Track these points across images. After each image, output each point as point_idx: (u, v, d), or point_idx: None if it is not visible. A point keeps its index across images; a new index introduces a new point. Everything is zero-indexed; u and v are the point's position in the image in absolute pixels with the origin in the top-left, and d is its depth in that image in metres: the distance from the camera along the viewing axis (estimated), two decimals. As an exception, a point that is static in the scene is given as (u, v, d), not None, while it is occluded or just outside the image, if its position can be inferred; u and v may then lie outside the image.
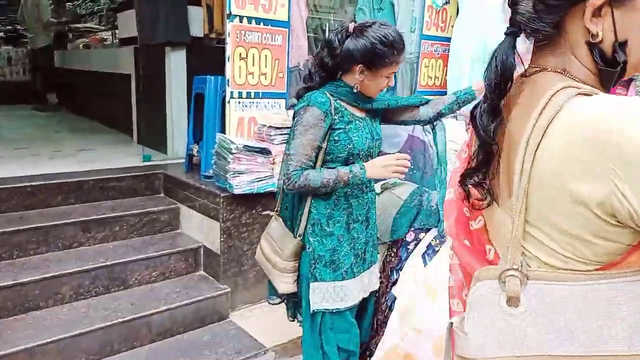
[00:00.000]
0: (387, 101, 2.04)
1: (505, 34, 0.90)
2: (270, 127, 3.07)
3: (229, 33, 2.96)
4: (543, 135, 0.77)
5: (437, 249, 2.22)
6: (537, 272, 0.80)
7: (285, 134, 3.07)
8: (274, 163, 3.02)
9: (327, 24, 3.49)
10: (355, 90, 1.86)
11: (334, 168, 1.83)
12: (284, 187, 1.83)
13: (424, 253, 2.24)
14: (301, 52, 3.37)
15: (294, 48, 3.31)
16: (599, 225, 0.71)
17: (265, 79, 3.18)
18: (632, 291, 0.73)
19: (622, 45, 0.77)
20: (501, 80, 0.87)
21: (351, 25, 1.82)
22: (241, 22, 3.02)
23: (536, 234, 0.79)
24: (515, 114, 0.87)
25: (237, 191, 2.89)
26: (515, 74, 0.88)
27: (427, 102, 2.14)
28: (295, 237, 1.93)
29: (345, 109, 1.88)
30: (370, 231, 2.05)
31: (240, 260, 3.07)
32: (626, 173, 0.65)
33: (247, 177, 2.93)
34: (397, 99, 2.13)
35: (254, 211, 3.08)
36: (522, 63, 0.91)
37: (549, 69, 0.85)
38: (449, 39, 4.00)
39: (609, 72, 0.79)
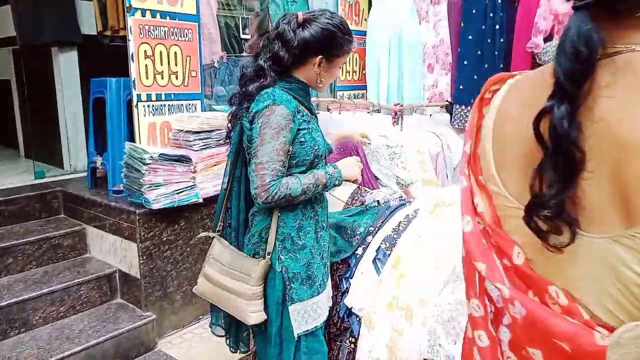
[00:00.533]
0: None
1: (574, 7, 0.70)
2: (187, 132, 2.77)
3: (130, 29, 2.61)
4: None
5: (387, 252, 2.09)
6: None
7: (205, 138, 2.79)
8: (195, 172, 2.73)
9: (240, 19, 3.23)
10: (320, 84, 1.69)
11: (301, 173, 1.64)
12: (261, 201, 1.56)
13: (374, 259, 2.10)
14: (214, 47, 3.09)
15: (206, 43, 3.02)
16: None
17: (177, 78, 2.87)
18: None
19: None
20: (586, 66, 0.66)
21: (300, 15, 1.64)
22: (144, 15, 2.68)
23: None
24: (610, 109, 0.66)
25: (155, 206, 2.56)
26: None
27: None
28: (264, 257, 1.67)
29: (303, 107, 1.69)
30: (328, 236, 1.88)
31: (164, 283, 2.74)
32: None
33: (166, 190, 2.61)
34: None
35: (176, 226, 2.77)
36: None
37: None
38: (364, 33, 3.91)
39: None
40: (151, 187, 2.55)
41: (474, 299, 0.84)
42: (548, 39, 3.39)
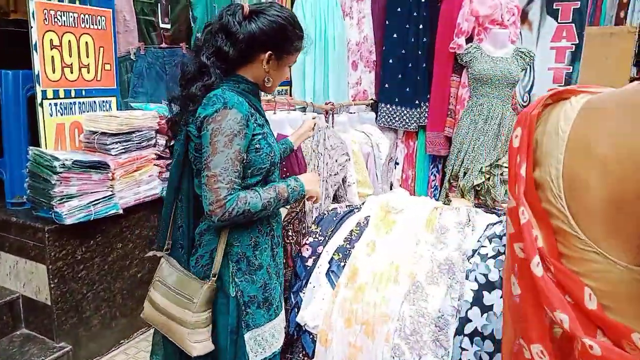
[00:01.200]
0: None
1: None
2: (103, 133, 2.43)
3: (33, 14, 2.22)
4: None
5: (341, 264, 1.98)
6: None
7: (125, 140, 2.48)
8: (113, 179, 2.41)
9: (158, 6, 2.91)
10: (268, 84, 1.52)
11: (257, 183, 1.48)
12: (216, 219, 1.37)
13: (328, 271, 1.98)
14: (130, 37, 2.75)
15: (121, 33, 2.68)
16: None
17: (88, 72, 2.51)
18: None
19: None
20: None
21: (246, 7, 1.46)
22: (47, -1, 2.30)
23: None
24: None
25: (68, 221, 2.22)
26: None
27: None
28: (209, 279, 1.48)
29: (255, 110, 1.51)
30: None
31: (79, 307, 2.40)
32: None
33: (80, 201, 2.28)
34: None
35: (91, 242, 2.43)
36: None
37: None
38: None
39: None
40: (63, 199, 2.21)
41: (537, 344, 0.76)
42: (469, 40, 3.48)
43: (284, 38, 1.47)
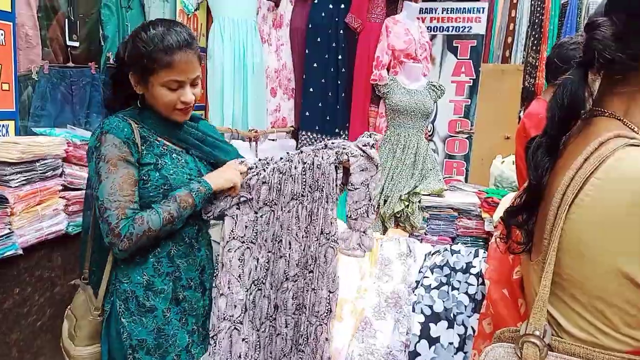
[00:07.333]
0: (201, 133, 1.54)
1: (576, 63, 0.80)
2: (1, 163, 2.12)
3: None
4: (580, 189, 0.70)
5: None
6: (565, 345, 0.75)
7: (27, 170, 2.19)
8: (12, 215, 2.10)
9: (66, 23, 2.64)
10: (155, 107, 1.41)
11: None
12: (118, 250, 1.31)
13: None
14: (32, 54, 2.46)
15: (22, 49, 2.39)
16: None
17: (-18, 92, 2.19)
18: None
19: None
20: (566, 116, 0.79)
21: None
22: None
23: (568, 300, 0.74)
24: (564, 158, 0.80)
25: (-43, 266, 1.89)
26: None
27: None
28: (92, 313, 1.41)
29: (156, 138, 1.42)
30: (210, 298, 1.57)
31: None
32: None
33: (-28, 242, 1.95)
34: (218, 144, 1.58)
35: (-15, 288, 2.09)
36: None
37: (608, 114, 0.79)
38: (203, 50, 3.61)
39: None
40: (-48, 241, 1.88)
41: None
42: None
43: (135, 54, 1.35)
